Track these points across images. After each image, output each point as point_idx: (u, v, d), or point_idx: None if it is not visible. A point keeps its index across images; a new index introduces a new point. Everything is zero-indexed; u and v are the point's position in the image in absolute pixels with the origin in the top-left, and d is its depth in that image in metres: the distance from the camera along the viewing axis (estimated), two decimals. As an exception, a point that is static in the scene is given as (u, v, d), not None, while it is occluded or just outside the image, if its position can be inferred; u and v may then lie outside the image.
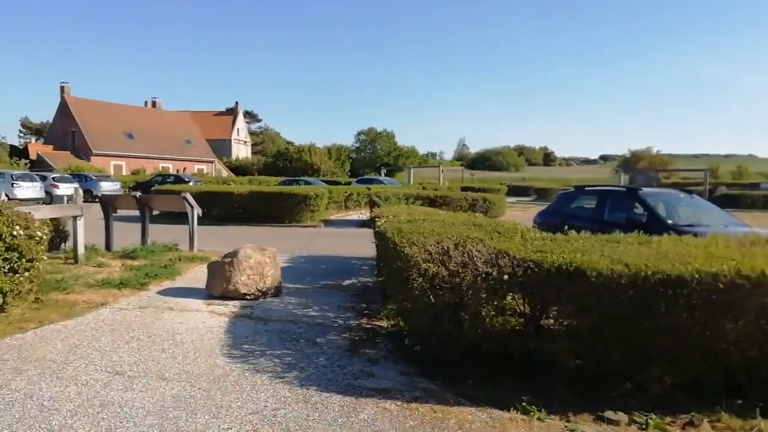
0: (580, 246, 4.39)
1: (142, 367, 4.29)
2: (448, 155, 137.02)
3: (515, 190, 48.91)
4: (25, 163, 44.04)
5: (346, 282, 8.18)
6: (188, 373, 4.20)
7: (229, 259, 6.73)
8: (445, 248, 4.37)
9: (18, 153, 51.00)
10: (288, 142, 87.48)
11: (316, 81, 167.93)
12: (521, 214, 22.80)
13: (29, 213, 6.07)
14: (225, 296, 6.66)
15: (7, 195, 22.71)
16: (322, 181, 37.89)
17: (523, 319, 4.39)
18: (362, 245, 11.01)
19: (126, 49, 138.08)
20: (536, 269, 3.96)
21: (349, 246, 12.48)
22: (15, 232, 5.52)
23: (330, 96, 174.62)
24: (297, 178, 38.73)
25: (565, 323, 4.20)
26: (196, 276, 8.14)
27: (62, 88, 54.67)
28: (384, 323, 5.80)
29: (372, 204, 16.38)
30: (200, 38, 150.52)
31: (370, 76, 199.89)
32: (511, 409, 3.61)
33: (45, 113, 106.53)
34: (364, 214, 21.21)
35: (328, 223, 19.32)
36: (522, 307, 4.34)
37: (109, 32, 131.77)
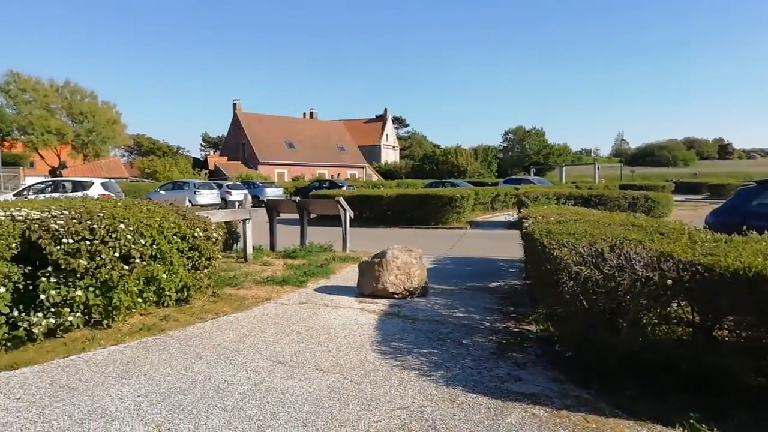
0: (762, 249, 3.85)
1: (301, 358, 4.63)
2: (605, 151, 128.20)
3: (684, 187, 44.31)
4: (205, 173, 50.00)
5: (493, 284, 8.06)
6: (341, 366, 4.44)
7: (378, 260, 7.00)
8: (599, 250, 4.11)
9: (199, 164, 57.97)
10: (434, 145, 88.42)
11: (463, 83, 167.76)
12: (690, 213, 20.57)
13: (207, 217, 6.89)
14: (374, 294, 6.94)
15: (190, 201, 25.89)
16: (468, 182, 37.70)
17: (691, 329, 3.97)
18: (509, 247, 10.75)
19: (287, 65, 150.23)
20: (706, 274, 3.55)
21: (495, 248, 12.27)
22: (196, 234, 6.30)
23: (477, 96, 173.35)
24: (443, 180, 38.98)
25: (743, 335, 3.71)
26: (349, 275, 8.58)
27: (234, 105, 61.26)
28: (532, 327, 5.61)
29: (520, 204, 15.91)
30: (353, 48, 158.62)
31: (520, 74, 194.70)
32: (677, 426, 3.28)
33: (221, 128, 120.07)
34: (511, 216, 20.69)
35: (474, 224, 19.17)
36: (690, 316, 3.93)
37: (273, 51, 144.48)
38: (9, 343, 4.69)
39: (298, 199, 13.56)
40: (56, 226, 4.81)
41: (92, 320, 5.22)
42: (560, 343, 4.79)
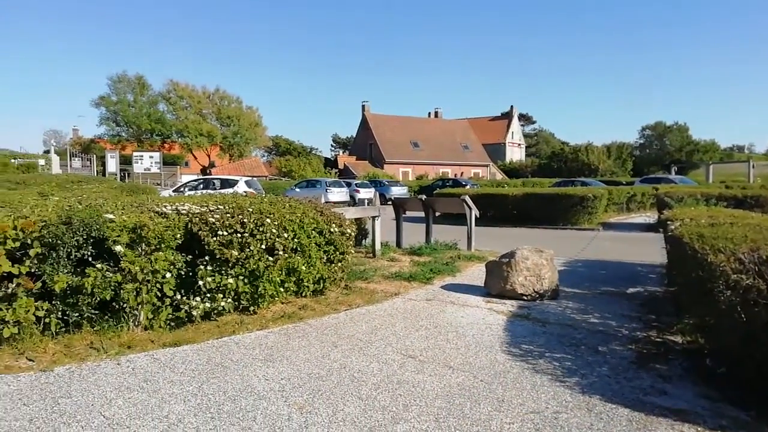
0: None
1: (430, 353, 4.70)
2: (760, 148, 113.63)
3: None
4: (335, 172, 52.35)
5: (630, 290, 7.54)
6: (470, 364, 4.44)
7: (507, 260, 6.87)
8: (764, 257, 3.69)
9: (330, 164, 60.82)
10: (562, 143, 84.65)
11: (595, 77, 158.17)
12: None
13: (342, 213, 7.22)
14: (502, 295, 6.83)
15: (322, 198, 27.20)
16: (601, 181, 35.57)
17: None
18: (648, 251, 10.00)
19: (414, 66, 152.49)
20: None
21: (631, 251, 11.47)
22: (332, 229, 6.64)
23: (610, 91, 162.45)
24: (573, 179, 37.17)
25: None
26: (474, 274, 8.53)
27: (363, 107, 63.47)
28: (678, 338, 5.18)
29: (661, 205, 14.70)
30: (479, 47, 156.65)
31: (658, 65, 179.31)
32: None
33: (349, 129, 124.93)
34: (650, 217, 19.19)
35: (606, 226, 18.07)
36: None
37: (400, 53, 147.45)
38: (172, 323, 5.29)
39: (424, 197, 13.72)
40: (213, 220, 5.34)
41: (240, 306, 5.71)
42: (711, 357, 4.37)
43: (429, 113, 72.55)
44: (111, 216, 4.88)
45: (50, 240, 4.53)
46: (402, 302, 6.59)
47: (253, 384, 3.96)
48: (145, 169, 37.25)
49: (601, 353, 4.75)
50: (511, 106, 79.38)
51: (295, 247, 6.12)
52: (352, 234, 7.19)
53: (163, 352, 4.62)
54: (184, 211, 5.42)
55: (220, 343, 4.90)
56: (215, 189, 22.62)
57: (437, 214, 13.73)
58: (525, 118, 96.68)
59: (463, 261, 9.69)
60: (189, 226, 5.34)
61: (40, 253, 4.50)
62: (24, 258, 4.48)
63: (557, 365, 4.43)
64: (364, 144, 62.50)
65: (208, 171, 48.58)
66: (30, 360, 4.36)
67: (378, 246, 10.19)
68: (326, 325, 5.56)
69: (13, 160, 31.66)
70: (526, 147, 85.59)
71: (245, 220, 5.56)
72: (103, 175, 36.28)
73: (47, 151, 42.23)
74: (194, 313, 5.25)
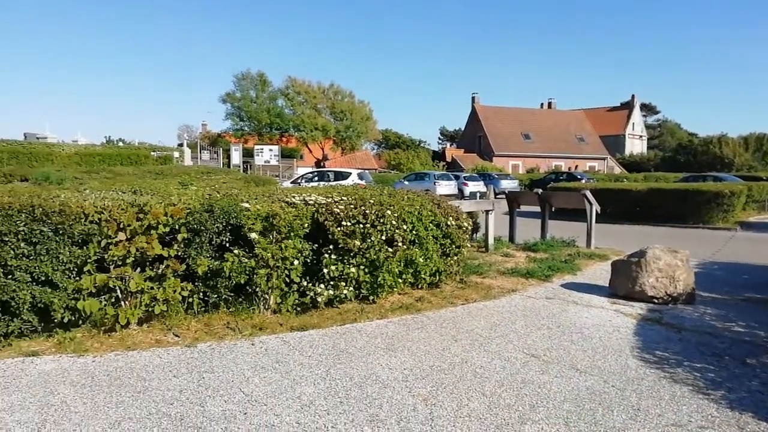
0: None
1: (554, 354, 4.53)
2: None
3: None
4: (443, 165, 52.17)
5: (782, 298, 6.76)
6: (599, 368, 4.22)
7: (636, 259, 6.44)
8: None
9: (437, 156, 60.65)
10: (690, 134, 77.73)
11: (731, 63, 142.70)
12: None
13: (459, 206, 7.16)
14: (629, 296, 6.41)
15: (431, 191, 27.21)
16: (737, 176, 32.20)
17: None
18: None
19: (525, 56, 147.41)
20: None
21: (781, 255, 10.27)
22: (449, 222, 6.61)
23: (747, 76, 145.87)
24: (703, 173, 34.00)
25: None
26: (596, 273, 8.09)
27: (473, 98, 62.60)
28: None
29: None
30: (593, 35, 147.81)
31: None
32: None
33: (457, 122, 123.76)
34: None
35: (745, 225, 16.36)
36: None
37: (511, 43, 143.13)
38: (298, 308, 5.55)
39: (540, 191, 13.25)
40: (338, 210, 5.53)
41: (360, 295, 5.87)
42: None
43: (541, 104, 69.85)
44: (247, 205, 5.21)
45: (195, 226, 4.93)
46: (521, 299, 6.41)
47: (377, 372, 4.04)
48: (264, 162, 39.55)
49: (749, 366, 4.30)
50: (632, 96, 74.27)
51: (413, 239, 6.17)
52: (469, 227, 7.11)
53: (292, 336, 4.87)
54: (311, 202, 5.65)
55: (343, 330, 5.06)
56: (329, 181, 23.48)
57: (553, 209, 13.21)
58: (647, 108, 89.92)
59: (583, 259, 9.23)
60: (315, 216, 5.56)
61: (186, 238, 4.92)
62: (172, 242, 4.91)
63: (698, 376, 4.07)
64: (472, 136, 61.64)
65: (321, 164, 50.53)
66: (176, 336, 4.79)
67: (491, 240, 10.01)
68: (444, 318, 5.54)
69: (152, 153, 35.00)
70: (648, 139, 79.69)
71: (367, 211, 5.69)
72: (228, 166, 39.03)
73: (180, 145, 46.24)
74: (319, 299, 5.47)
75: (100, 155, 32.70)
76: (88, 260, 4.58)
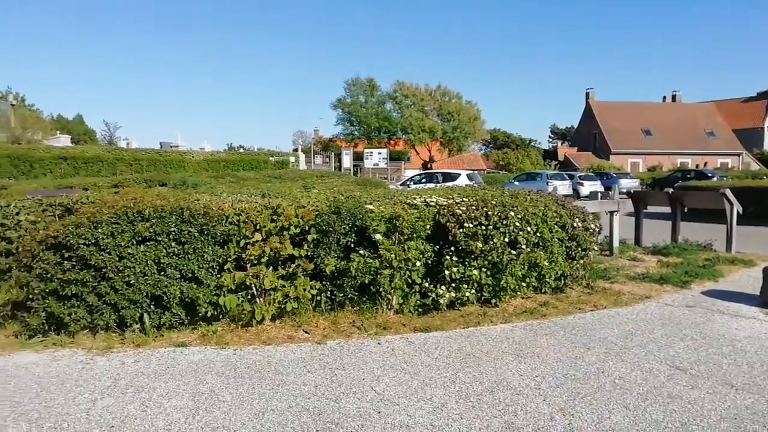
0: None
1: (704, 368, 4.12)
2: None
3: None
4: (555, 164, 50.16)
5: None
6: (759, 386, 3.78)
7: (796, 265, 5.71)
8: None
9: (549, 155, 58.43)
10: None
11: None
12: None
13: (585, 207, 6.80)
14: (788, 308, 5.71)
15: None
16: None
17: None
18: None
19: (645, 47, 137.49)
20: None
21: None
22: (575, 224, 6.29)
23: None
24: None
25: None
26: (742, 280, 7.31)
27: (587, 94, 59.56)
28: None
29: None
30: (722, 20, 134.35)
31: None
32: None
33: (569, 119, 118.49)
34: None
35: None
36: None
37: (627, 34, 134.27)
38: (419, 309, 5.55)
39: (671, 190, 12.26)
40: (459, 212, 5.46)
41: (482, 298, 5.75)
42: None
43: (664, 97, 64.78)
44: (371, 207, 5.31)
45: (323, 227, 5.11)
46: (657, 307, 5.93)
47: (507, 378, 3.92)
48: (374, 165, 40.42)
49: None
50: (774, 83, 66.53)
51: (537, 241, 5.95)
52: (596, 229, 6.73)
53: (416, 336, 4.87)
54: (432, 203, 5.64)
55: (467, 333, 4.98)
56: (437, 182, 23.42)
57: (686, 209, 12.16)
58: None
59: (724, 264, 8.37)
60: (437, 218, 5.54)
61: (315, 238, 5.10)
62: (303, 243, 5.12)
63: None
64: (586, 134, 58.56)
65: (429, 165, 50.67)
66: (306, 332, 4.98)
67: (616, 243, 9.41)
68: (573, 324, 5.27)
69: (271, 158, 37.10)
70: (793, 131, 70.96)
71: (489, 213, 5.57)
72: (340, 170, 40.37)
73: (295, 150, 48.62)
74: (441, 301, 5.44)
75: (225, 161, 35.25)
76: (228, 259, 4.91)
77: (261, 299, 5.01)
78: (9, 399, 3.61)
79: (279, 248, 4.94)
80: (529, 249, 5.80)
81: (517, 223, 5.69)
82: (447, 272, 5.46)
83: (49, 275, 4.59)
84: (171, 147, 40.48)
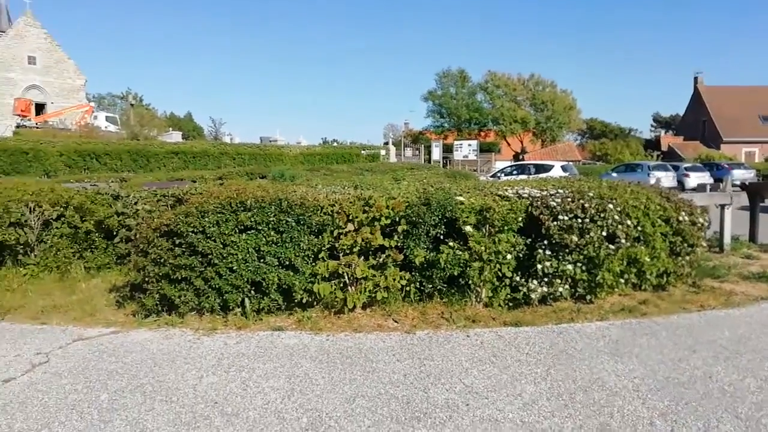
0: None
1: (831, 379, 3.74)
2: None
3: None
4: (657, 155, 47.06)
5: None
6: None
7: None
8: None
9: (650, 145, 54.87)
10: None
11: None
12: None
13: (691, 200, 6.35)
14: None
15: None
16: None
17: None
18: None
19: (763, 27, 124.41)
20: None
21: None
22: (681, 218, 5.89)
23: None
24: None
25: None
26: None
27: (695, 79, 55.15)
28: None
29: None
30: None
31: None
32: None
33: (673, 107, 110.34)
34: None
35: None
36: None
37: (741, 13, 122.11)
38: (510, 303, 5.46)
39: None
40: (554, 204, 5.29)
41: (576, 294, 5.55)
42: None
43: (788, 79, 58.57)
44: (461, 198, 5.28)
45: (413, 218, 5.15)
46: (775, 309, 5.44)
47: (603, 378, 3.77)
48: (463, 157, 39.99)
49: None
50: None
51: (637, 235, 5.63)
52: (705, 224, 6.26)
53: (506, 331, 4.80)
54: (524, 195, 5.51)
55: (559, 329, 4.83)
56: (529, 174, 22.75)
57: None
58: None
59: None
60: (529, 210, 5.40)
61: (405, 229, 5.16)
62: (393, 233, 5.20)
63: None
64: (694, 122, 54.19)
65: (520, 157, 49.33)
66: (395, 321, 5.07)
67: (727, 239, 8.70)
68: (676, 325, 4.95)
69: (362, 152, 37.86)
70: None
71: (586, 205, 5.34)
72: (429, 162, 40.36)
73: (386, 143, 49.24)
74: (532, 296, 5.31)
75: (320, 155, 36.49)
76: (323, 248, 5.09)
77: (353, 288, 5.15)
78: (127, 372, 3.98)
79: (370, 238, 5.04)
80: (628, 243, 5.51)
81: (616, 216, 5.42)
82: (539, 266, 5.32)
83: (162, 260, 4.99)
84: (270, 141, 42.45)
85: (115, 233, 7.14)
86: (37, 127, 37.41)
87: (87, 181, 13.33)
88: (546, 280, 5.38)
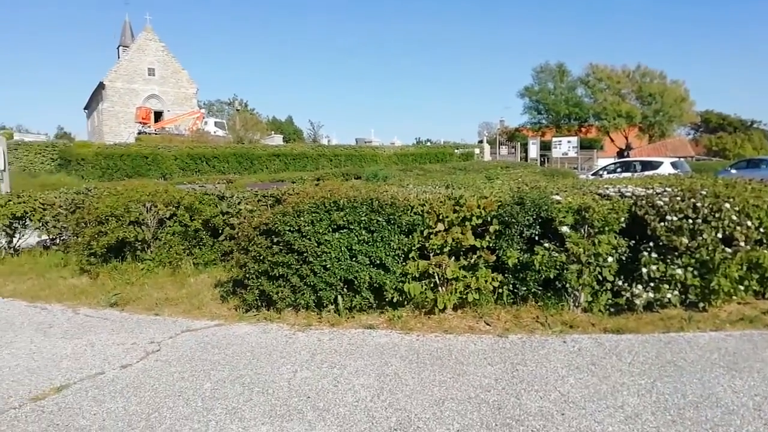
0: None
1: None
2: None
3: None
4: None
5: None
6: None
7: None
8: None
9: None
10: None
11: None
12: None
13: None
14: None
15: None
16: None
17: None
18: None
19: None
20: None
21: None
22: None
23: None
24: None
25: None
26: None
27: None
28: None
29: None
30: None
31: None
32: None
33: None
34: None
35: None
36: None
37: None
38: (611, 309, 5.14)
39: None
40: (661, 203, 4.92)
41: (687, 300, 5.11)
42: None
43: None
44: (558, 197, 5.05)
45: (506, 218, 5.01)
46: None
47: (717, 393, 3.44)
48: (562, 154, 38.44)
49: None
50: None
51: (760, 238, 5.09)
52: None
53: (606, 338, 4.53)
54: (628, 193, 5.17)
55: (667, 339, 4.48)
56: (635, 171, 21.38)
57: None
58: None
59: None
60: (633, 209, 5.06)
61: (497, 230, 5.03)
62: (484, 233, 5.08)
63: None
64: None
65: (625, 153, 46.54)
66: (487, 324, 4.95)
67: None
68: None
69: (456, 151, 37.59)
70: None
71: (698, 204, 4.91)
72: (525, 160, 39.21)
73: (480, 142, 48.44)
74: (636, 301, 4.96)
75: (413, 155, 36.74)
76: (413, 248, 5.09)
77: (443, 288, 5.10)
78: (228, 363, 4.20)
79: (461, 239, 4.97)
80: (749, 247, 4.99)
81: (734, 217, 4.93)
82: (644, 270, 4.96)
83: (261, 257, 5.23)
84: (365, 143, 43.30)
85: (220, 231, 7.60)
86: (156, 134, 40.91)
87: (197, 183, 14.32)
88: (652, 285, 5.00)
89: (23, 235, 9.43)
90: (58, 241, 9.28)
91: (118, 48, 51.35)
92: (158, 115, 47.37)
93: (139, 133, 40.84)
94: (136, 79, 48.12)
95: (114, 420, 3.31)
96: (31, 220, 9.12)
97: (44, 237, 9.52)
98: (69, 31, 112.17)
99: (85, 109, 58.11)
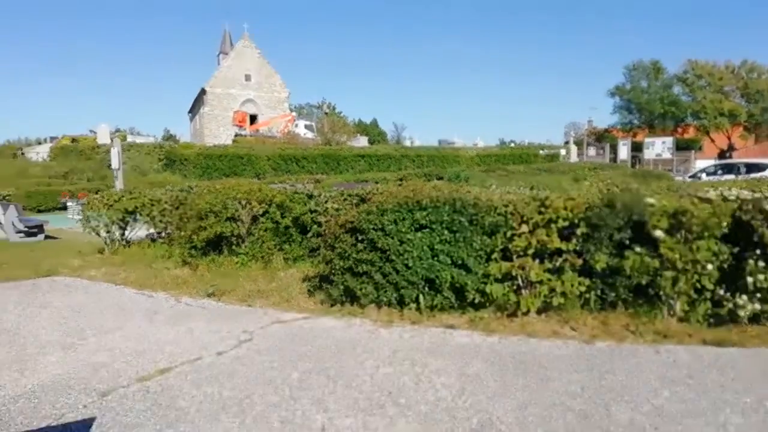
0: None
1: None
2: None
3: None
4: None
5: None
6: None
7: None
8: None
9: None
10: None
11: None
12: None
13: None
14: None
15: None
16: None
17: None
18: None
19: None
20: None
21: None
22: None
23: None
24: None
25: None
26: None
27: None
28: None
29: None
30: None
31: None
32: None
33: None
34: None
35: None
36: None
37: None
38: (711, 320, 4.81)
39: None
40: (770, 208, 4.55)
41: (798, 314, 4.69)
42: None
43: None
44: (651, 200, 4.81)
45: (594, 221, 4.83)
46: None
47: (833, 416, 3.14)
48: (656, 155, 36.36)
49: None
50: None
51: None
52: None
53: (705, 350, 4.25)
54: (731, 197, 4.83)
55: (773, 354, 4.14)
56: (739, 174, 19.80)
57: None
58: None
59: None
60: (737, 214, 4.72)
61: (584, 232, 4.86)
62: (571, 236, 4.93)
63: None
64: None
65: (727, 155, 43.13)
66: (573, 329, 4.79)
67: None
68: None
69: (541, 152, 36.58)
70: None
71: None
72: (614, 162, 37.40)
73: (567, 142, 46.74)
74: (740, 313, 4.62)
75: (496, 156, 36.19)
76: (495, 249, 5.03)
77: (526, 291, 5.00)
78: (314, 356, 4.35)
79: (545, 241, 4.85)
80: None
81: None
82: (750, 279, 4.61)
83: (346, 254, 5.38)
84: (447, 144, 43.14)
85: (308, 228, 7.90)
86: (251, 136, 43.00)
87: (287, 182, 14.91)
88: (759, 296, 4.64)
89: (134, 228, 10.28)
90: (163, 234, 10.01)
91: (218, 56, 54.59)
92: (253, 118, 49.63)
93: (235, 136, 43.12)
94: (234, 85, 50.75)
95: (210, 403, 3.53)
96: (140, 215, 9.92)
97: (152, 230, 10.34)
98: (174, 44, 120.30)
99: (189, 112, 62.20)
